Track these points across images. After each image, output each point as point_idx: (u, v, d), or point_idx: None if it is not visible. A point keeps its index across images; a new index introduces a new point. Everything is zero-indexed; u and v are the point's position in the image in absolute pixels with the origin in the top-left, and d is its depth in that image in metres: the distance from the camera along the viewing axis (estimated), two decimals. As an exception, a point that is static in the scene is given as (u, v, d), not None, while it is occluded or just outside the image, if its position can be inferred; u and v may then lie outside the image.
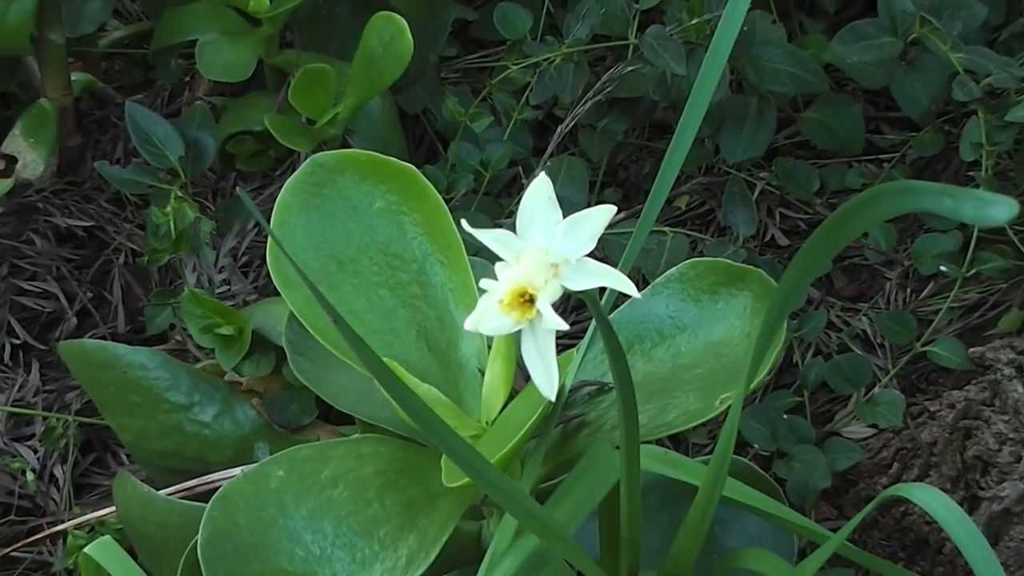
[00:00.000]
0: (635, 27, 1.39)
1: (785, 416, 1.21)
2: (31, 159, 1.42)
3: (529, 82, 1.41)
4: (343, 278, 0.95)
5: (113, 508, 1.15)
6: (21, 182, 1.41)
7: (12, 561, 1.21)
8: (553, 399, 0.80)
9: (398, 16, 1.24)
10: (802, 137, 1.45)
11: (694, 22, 1.34)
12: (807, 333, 1.29)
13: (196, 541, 0.86)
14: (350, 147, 1.26)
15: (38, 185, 1.42)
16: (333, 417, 1.18)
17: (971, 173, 1.30)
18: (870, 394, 1.25)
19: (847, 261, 1.39)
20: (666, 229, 1.35)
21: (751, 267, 0.97)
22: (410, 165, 0.96)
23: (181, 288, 1.29)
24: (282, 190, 0.96)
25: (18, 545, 1.21)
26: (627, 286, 0.78)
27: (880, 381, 1.27)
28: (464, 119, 1.40)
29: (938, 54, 1.32)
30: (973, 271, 1.30)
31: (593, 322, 0.89)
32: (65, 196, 1.43)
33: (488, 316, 0.79)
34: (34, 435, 1.28)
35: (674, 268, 0.98)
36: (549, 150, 1.39)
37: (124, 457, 1.27)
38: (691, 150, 0.87)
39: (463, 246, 0.95)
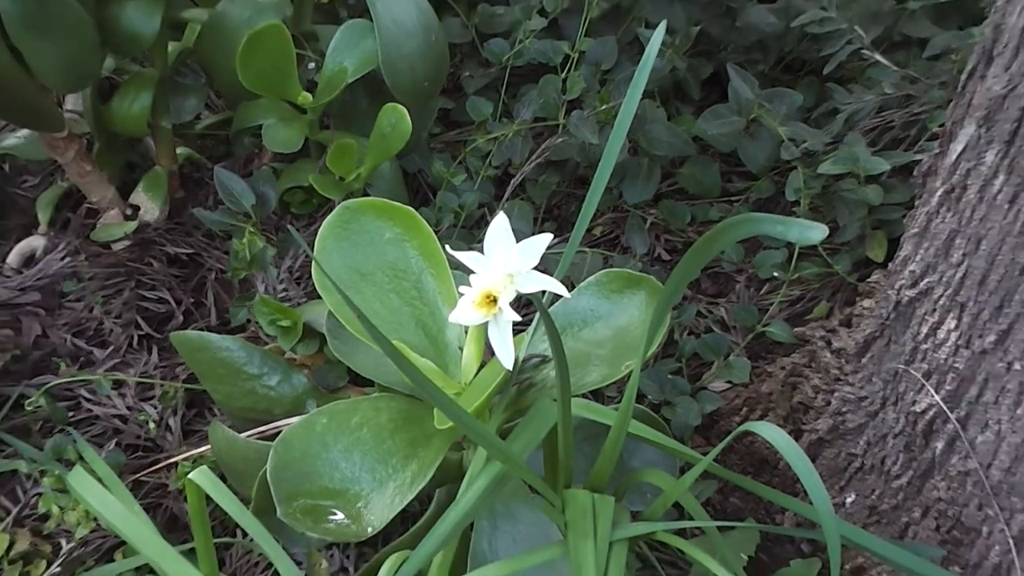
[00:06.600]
0: (563, 111, 1.40)
1: (669, 376, 1.21)
2: (150, 207, 1.41)
3: (491, 150, 1.41)
4: (364, 286, 0.95)
5: (209, 447, 1.14)
6: (143, 223, 1.40)
7: (140, 484, 1.19)
8: (511, 368, 0.81)
9: (400, 106, 1.24)
10: (679, 186, 1.45)
11: (604, 107, 1.34)
12: (683, 319, 1.30)
13: (265, 469, 0.85)
14: (369, 196, 1.25)
15: (154, 225, 1.41)
16: (359, 381, 1.16)
17: (795, 209, 1.31)
18: (727, 360, 1.25)
19: (711, 270, 1.39)
20: (587, 249, 1.34)
21: (645, 275, 0.97)
22: (410, 208, 0.96)
23: (254, 294, 1.28)
24: (322, 226, 0.95)
25: (143, 472, 1.20)
26: (561, 289, 0.78)
27: (733, 351, 1.27)
28: (447, 176, 1.40)
29: (770, 128, 1.33)
30: (796, 276, 1.30)
31: (538, 314, 0.89)
32: (173, 232, 1.42)
33: (465, 311, 0.79)
34: (154, 397, 1.27)
35: (592, 276, 0.98)
36: (505, 196, 1.38)
37: (216, 411, 1.26)
38: (603, 195, 0.86)
39: (447, 263, 0.94)
